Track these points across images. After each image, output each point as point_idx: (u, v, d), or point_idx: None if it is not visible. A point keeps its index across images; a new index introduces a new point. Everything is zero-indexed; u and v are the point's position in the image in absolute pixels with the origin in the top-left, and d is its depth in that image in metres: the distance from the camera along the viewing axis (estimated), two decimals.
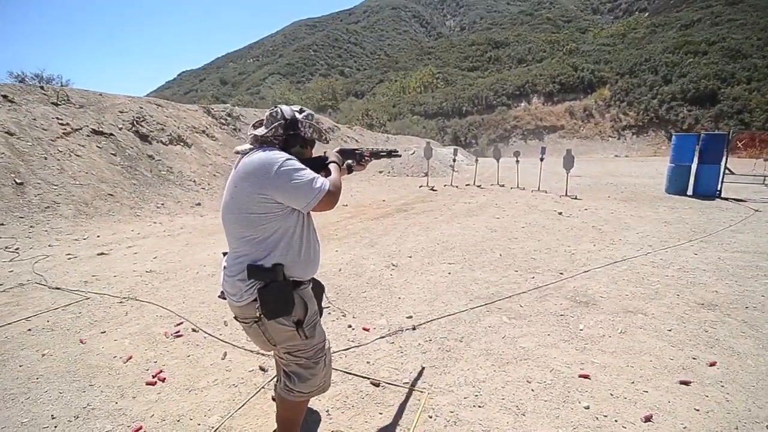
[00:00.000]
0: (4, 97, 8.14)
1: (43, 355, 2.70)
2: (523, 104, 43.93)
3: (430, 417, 2.08)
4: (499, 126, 41.81)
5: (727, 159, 9.69)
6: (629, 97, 38.34)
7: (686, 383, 2.32)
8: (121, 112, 9.92)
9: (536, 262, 4.64)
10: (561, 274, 4.23)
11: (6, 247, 5.22)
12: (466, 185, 12.31)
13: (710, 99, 34.10)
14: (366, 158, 1.95)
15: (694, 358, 2.60)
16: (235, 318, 1.66)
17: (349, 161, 1.88)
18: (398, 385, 2.35)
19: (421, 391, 2.28)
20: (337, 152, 1.82)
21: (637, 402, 2.17)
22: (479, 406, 2.16)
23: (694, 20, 55.77)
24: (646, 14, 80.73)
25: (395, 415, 2.10)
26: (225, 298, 1.73)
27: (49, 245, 5.52)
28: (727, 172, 9.60)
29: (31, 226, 6.03)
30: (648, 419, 2.02)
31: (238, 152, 1.61)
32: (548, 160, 12.67)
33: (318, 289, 1.78)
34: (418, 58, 79.55)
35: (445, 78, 58.84)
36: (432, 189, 11.57)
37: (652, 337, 2.87)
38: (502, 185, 12.05)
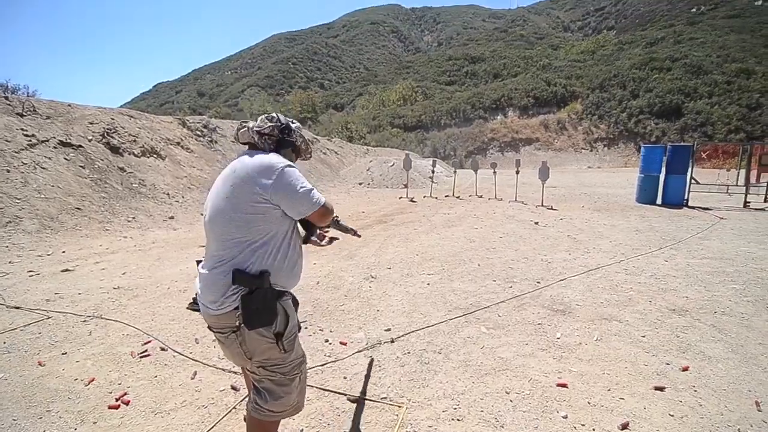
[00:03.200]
0: None
1: None
2: (499, 117, 44.96)
3: None
4: (476, 138, 42.58)
5: (692, 169, 10.11)
6: (600, 111, 39.91)
7: (661, 389, 2.35)
8: (91, 123, 9.61)
9: (514, 272, 4.67)
10: (538, 283, 4.27)
11: None
12: (445, 196, 12.41)
13: (675, 112, 35.89)
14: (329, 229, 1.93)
15: (667, 364, 2.64)
16: (210, 328, 1.58)
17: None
18: (376, 401, 2.29)
19: (399, 406, 2.23)
20: None
21: (614, 409, 2.18)
22: (458, 420, 2.12)
23: (658, 38, 58.92)
24: (614, 32, 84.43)
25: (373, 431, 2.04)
26: (196, 309, 1.62)
27: (10, 262, 5.23)
28: (692, 182, 10.00)
29: None
30: (625, 426, 2.03)
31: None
32: (524, 172, 12.92)
33: (293, 303, 1.72)
34: (396, 72, 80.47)
35: (423, 92, 59.62)
36: (411, 200, 11.61)
37: (627, 344, 2.91)
38: (480, 196, 12.21)
